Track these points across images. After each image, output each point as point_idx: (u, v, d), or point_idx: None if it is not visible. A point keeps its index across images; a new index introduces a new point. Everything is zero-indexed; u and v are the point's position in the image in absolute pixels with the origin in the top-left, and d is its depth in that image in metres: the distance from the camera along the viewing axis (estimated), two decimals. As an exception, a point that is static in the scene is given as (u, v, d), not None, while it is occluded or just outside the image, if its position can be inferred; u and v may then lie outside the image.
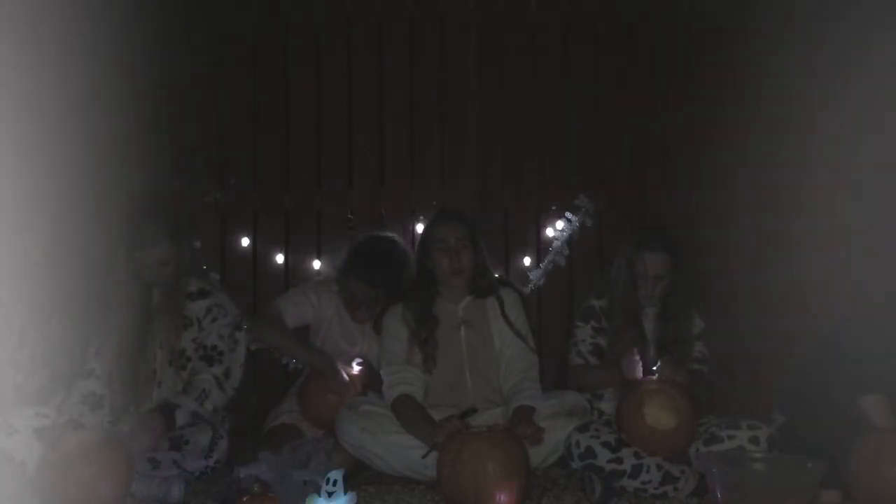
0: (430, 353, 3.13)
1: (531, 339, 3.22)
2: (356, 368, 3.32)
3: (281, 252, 4.08)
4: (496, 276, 3.35)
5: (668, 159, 4.07)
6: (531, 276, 4.04)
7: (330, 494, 2.17)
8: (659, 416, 2.76)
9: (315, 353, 3.40)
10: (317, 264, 4.08)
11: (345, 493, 2.20)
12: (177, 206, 3.82)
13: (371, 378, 3.31)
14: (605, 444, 2.78)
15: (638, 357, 2.96)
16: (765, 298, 3.91)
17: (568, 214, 4.02)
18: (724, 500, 2.43)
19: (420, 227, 4.08)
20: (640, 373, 2.94)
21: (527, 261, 4.08)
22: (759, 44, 3.90)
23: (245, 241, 4.09)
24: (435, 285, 3.20)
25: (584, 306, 3.24)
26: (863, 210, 3.62)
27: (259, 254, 4.09)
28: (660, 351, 3.09)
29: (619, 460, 2.76)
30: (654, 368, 2.94)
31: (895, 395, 2.84)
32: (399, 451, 2.94)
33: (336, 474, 2.20)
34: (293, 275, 4.04)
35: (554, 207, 4.08)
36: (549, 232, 4.07)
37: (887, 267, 3.32)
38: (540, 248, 4.09)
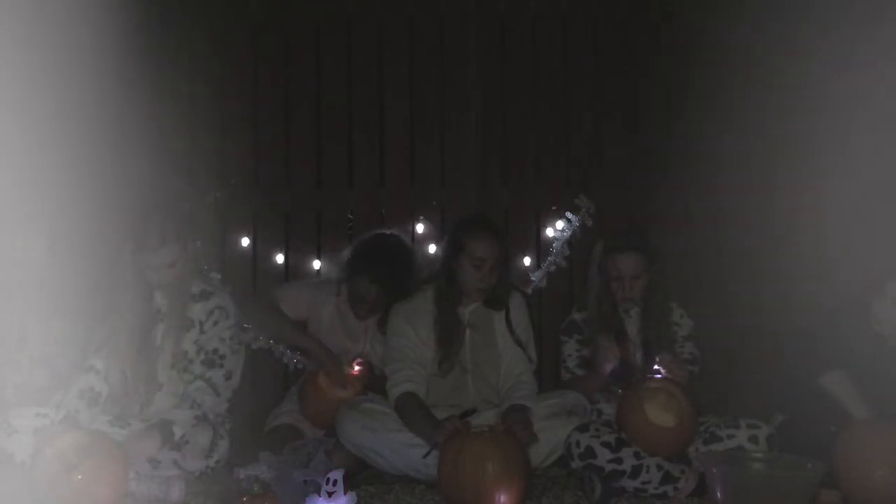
0: (453, 352, 3.12)
1: (532, 344, 3.23)
2: (356, 368, 3.32)
3: (281, 252, 4.08)
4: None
5: (669, 159, 4.06)
6: (531, 277, 4.04)
7: (330, 494, 2.17)
8: (660, 412, 2.77)
9: (312, 340, 3.43)
10: (317, 264, 4.08)
11: (345, 493, 2.20)
12: (179, 206, 3.81)
13: (371, 379, 3.31)
14: (605, 444, 2.78)
15: (614, 355, 3.02)
16: (763, 297, 3.92)
17: (568, 214, 4.02)
18: (724, 500, 2.43)
19: (420, 227, 4.08)
20: (610, 368, 3.03)
21: (527, 261, 4.08)
22: (761, 42, 3.90)
23: (245, 242, 4.08)
24: (455, 286, 3.17)
25: (567, 321, 3.26)
26: (861, 208, 3.62)
27: (259, 254, 4.09)
28: (646, 351, 3.09)
29: (619, 460, 2.75)
30: (657, 358, 2.97)
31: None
32: (400, 448, 2.94)
33: (336, 474, 2.20)
34: (293, 275, 4.03)
35: (554, 207, 4.08)
36: (549, 232, 4.07)
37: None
38: (540, 248, 4.08)
